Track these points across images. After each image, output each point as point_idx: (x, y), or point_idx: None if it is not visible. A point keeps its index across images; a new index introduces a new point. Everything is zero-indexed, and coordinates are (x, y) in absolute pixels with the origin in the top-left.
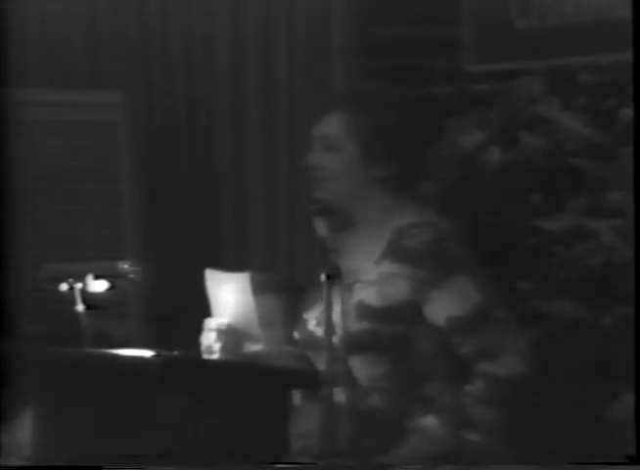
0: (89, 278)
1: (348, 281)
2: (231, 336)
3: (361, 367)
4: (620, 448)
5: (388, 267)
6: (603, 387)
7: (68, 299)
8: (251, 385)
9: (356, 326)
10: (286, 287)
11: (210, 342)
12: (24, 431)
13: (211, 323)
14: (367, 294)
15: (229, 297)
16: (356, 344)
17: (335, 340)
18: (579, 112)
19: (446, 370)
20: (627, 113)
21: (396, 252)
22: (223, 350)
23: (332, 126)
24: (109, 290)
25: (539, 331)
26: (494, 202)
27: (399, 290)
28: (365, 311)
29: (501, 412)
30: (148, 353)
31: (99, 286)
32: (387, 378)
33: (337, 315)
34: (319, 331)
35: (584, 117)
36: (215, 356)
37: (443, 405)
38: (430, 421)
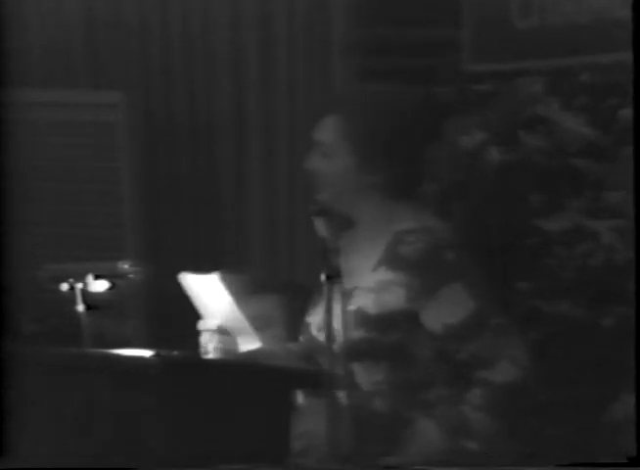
0: (89, 278)
1: (348, 287)
2: (220, 337)
3: (360, 372)
4: (621, 449)
5: (384, 274)
6: (603, 387)
7: (69, 299)
8: (249, 385)
9: (354, 332)
10: (284, 288)
11: (203, 342)
12: (25, 431)
13: (201, 325)
14: (365, 300)
15: (211, 298)
16: (355, 349)
17: (333, 344)
18: (579, 112)
19: (445, 376)
20: (627, 113)
21: (393, 258)
22: (214, 350)
23: (330, 132)
24: (109, 290)
25: (540, 332)
26: (495, 202)
27: (396, 297)
28: (363, 318)
29: (501, 414)
30: (148, 353)
31: (99, 286)
32: (385, 384)
33: (335, 320)
34: (314, 334)
35: (584, 117)
36: (209, 357)
37: (444, 411)
38: (429, 426)
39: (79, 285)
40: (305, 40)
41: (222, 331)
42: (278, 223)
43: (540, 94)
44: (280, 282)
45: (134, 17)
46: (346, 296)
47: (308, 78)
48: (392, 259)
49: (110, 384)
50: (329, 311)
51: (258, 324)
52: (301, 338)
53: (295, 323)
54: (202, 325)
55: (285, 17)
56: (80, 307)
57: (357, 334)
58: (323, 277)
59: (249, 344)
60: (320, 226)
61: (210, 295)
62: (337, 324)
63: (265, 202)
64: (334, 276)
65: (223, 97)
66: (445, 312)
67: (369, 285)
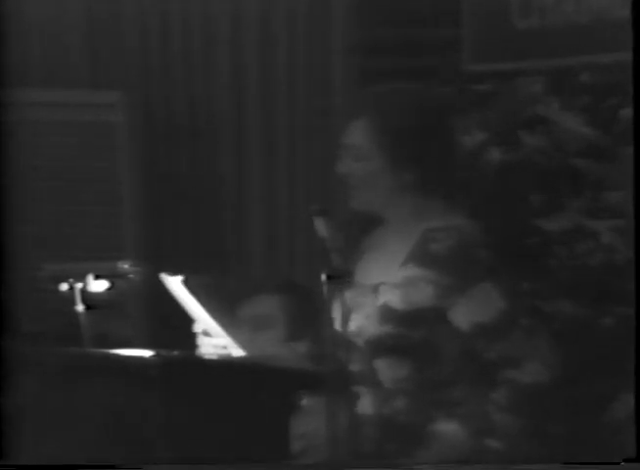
0: (89, 278)
1: (374, 283)
2: (209, 339)
3: (384, 368)
4: (621, 448)
5: (413, 271)
6: (603, 387)
7: (69, 299)
8: (248, 386)
9: (380, 328)
10: (290, 288)
11: (198, 343)
12: (25, 431)
13: (196, 326)
14: (391, 296)
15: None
16: (380, 345)
17: (356, 340)
18: (579, 112)
19: (467, 374)
20: (627, 113)
21: (422, 255)
22: (203, 351)
23: (358, 134)
24: (109, 290)
25: (539, 331)
26: (494, 202)
27: (424, 293)
28: (389, 313)
29: (503, 413)
30: (148, 353)
31: (99, 286)
32: (409, 381)
33: (360, 316)
34: (335, 331)
35: (584, 117)
36: (208, 357)
37: (457, 408)
38: (437, 423)
39: (79, 285)
40: (305, 40)
41: (209, 333)
42: (278, 223)
43: (540, 94)
44: (287, 282)
45: (134, 16)
46: (372, 292)
47: (308, 78)
48: (422, 256)
49: (109, 384)
50: (328, 310)
51: (258, 325)
52: (320, 336)
53: (304, 323)
54: (196, 326)
55: (285, 17)
56: (80, 307)
57: (383, 329)
58: (324, 277)
59: (238, 346)
60: (320, 226)
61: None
62: (362, 320)
63: (265, 201)
64: (334, 276)
65: (223, 97)
66: (474, 310)
67: (396, 281)
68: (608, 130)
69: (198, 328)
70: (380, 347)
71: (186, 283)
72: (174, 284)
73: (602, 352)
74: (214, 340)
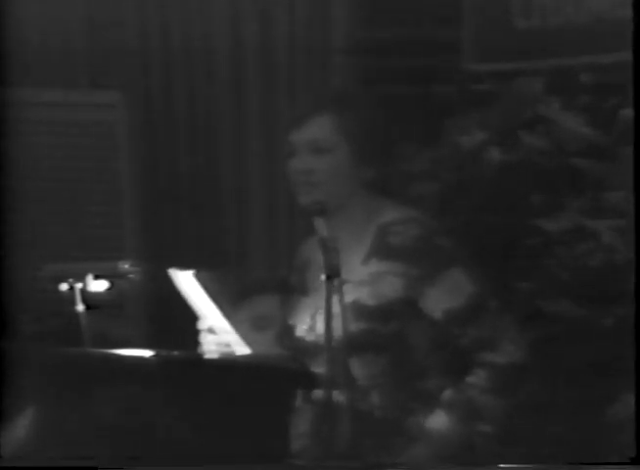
0: (89, 278)
1: (338, 282)
2: (213, 337)
3: (360, 367)
4: (621, 448)
5: (377, 266)
6: (603, 387)
7: (69, 299)
8: (246, 386)
9: (348, 326)
10: (280, 287)
11: (200, 342)
12: (24, 431)
13: (199, 324)
14: (359, 294)
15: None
16: (353, 343)
17: (328, 341)
18: (579, 112)
19: (441, 365)
20: (627, 113)
21: (383, 250)
22: (208, 350)
23: (322, 128)
24: (108, 290)
25: (539, 332)
26: (494, 202)
27: (388, 288)
28: (356, 311)
29: (499, 409)
30: (147, 353)
31: (99, 286)
32: (385, 376)
33: (331, 317)
34: (302, 334)
35: (584, 117)
36: (207, 356)
37: (441, 402)
38: (425, 418)
39: (79, 285)
40: (305, 40)
41: (214, 331)
42: (278, 223)
43: (540, 94)
44: (273, 281)
45: (134, 16)
46: (336, 291)
47: (308, 79)
48: (384, 250)
49: (108, 384)
50: (328, 310)
51: (259, 324)
52: (291, 337)
53: (287, 322)
54: (198, 325)
55: (285, 17)
56: (80, 307)
57: (354, 327)
58: (323, 277)
59: (241, 345)
60: (320, 226)
61: (200, 294)
62: (333, 321)
63: (265, 201)
64: (334, 276)
65: (223, 97)
66: (444, 298)
67: (362, 278)
68: (608, 130)
69: (203, 325)
70: (355, 344)
71: (197, 277)
72: (185, 279)
73: (601, 352)
74: (219, 337)
